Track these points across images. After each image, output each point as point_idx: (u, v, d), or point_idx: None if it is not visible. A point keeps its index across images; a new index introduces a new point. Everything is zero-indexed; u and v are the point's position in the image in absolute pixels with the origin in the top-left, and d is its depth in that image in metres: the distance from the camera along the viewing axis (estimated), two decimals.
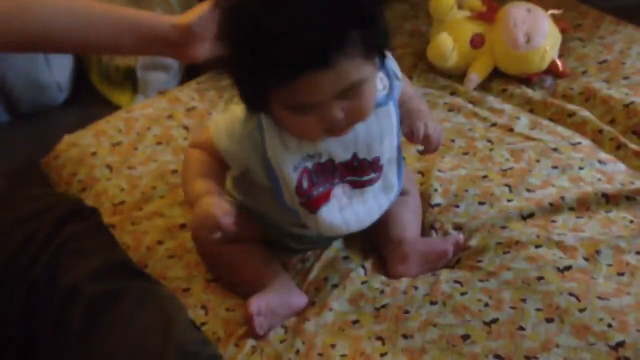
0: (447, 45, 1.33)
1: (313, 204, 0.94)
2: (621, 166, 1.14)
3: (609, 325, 0.88)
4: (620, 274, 0.96)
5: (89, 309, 0.85)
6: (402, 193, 1.04)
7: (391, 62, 0.96)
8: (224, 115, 0.94)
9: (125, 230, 1.13)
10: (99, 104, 1.56)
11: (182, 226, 1.12)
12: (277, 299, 0.95)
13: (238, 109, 0.92)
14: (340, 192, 0.95)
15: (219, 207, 0.86)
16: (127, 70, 1.57)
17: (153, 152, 1.27)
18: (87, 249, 0.92)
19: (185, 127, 1.31)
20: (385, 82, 0.95)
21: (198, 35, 0.94)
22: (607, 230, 1.02)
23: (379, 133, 0.94)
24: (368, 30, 0.82)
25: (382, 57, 0.88)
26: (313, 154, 0.92)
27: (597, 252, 0.98)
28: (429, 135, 0.95)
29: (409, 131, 0.95)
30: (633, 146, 1.17)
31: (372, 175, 0.96)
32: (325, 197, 0.94)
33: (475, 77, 1.34)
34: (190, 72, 1.55)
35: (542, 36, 1.31)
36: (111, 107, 1.49)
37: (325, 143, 0.91)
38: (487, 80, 1.35)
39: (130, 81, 1.57)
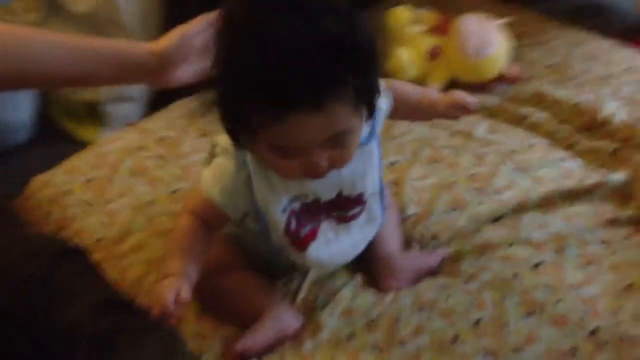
0: (405, 59, 1.39)
1: (302, 243, 0.95)
2: (576, 163, 1.22)
3: (584, 313, 0.95)
4: (588, 264, 1.03)
5: (93, 348, 0.88)
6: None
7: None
8: (212, 171, 0.93)
9: (110, 265, 1.14)
10: (64, 141, 1.55)
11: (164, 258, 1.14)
12: (269, 332, 0.96)
13: (224, 162, 0.91)
14: (327, 227, 0.97)
15: (173, 292, 0.85)
16: (89, 104, 1.57)
17: (128, 184, 1.28)
18: (82, 289, 0.94)
19: (161, 157, 1.32)
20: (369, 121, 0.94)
21: (175, 60, 0.96)
22: (571, 224, 1.09)
23: (362, 171, 0.95)
24: (362, 79, 0.81)
25: (371, 111, 0.86)
26: (299, 194, 0.93)
27: (564, 245, 1.05)
28: (455, 98, 0.97)
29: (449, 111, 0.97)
30: (585, 142, 1.25)
31: (357, 209, 0.98)
32: (313, 235, 0.96)
33: (434, 88, 1.40)
34: (154, 103, 1.56)
35: (492, 45, 1.38)
36: (76, 143, 1.49)
37: (311, 184, 0.92)
38: (445, 90, 1.41)
39: (93, 115, 1.58)
